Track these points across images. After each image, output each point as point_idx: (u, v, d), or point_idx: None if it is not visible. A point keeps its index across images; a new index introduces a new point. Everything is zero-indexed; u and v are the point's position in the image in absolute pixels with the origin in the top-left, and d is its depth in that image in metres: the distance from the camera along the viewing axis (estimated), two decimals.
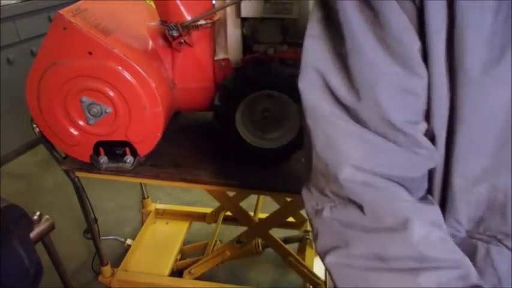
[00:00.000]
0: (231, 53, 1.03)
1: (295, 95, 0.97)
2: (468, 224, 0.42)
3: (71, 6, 0.93)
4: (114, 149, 1.04)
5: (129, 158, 1.05)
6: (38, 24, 2.39)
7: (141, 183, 1.72)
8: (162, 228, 1.76)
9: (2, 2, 2.21)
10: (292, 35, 1.02)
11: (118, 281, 1.48)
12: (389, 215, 0.39)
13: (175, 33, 0.97)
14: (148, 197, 1.78)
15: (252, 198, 1.58)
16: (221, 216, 1.70)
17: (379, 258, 0.38)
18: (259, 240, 1.39)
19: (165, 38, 1.00)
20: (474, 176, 0.39)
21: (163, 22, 1.00)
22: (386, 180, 0.40)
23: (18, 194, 2.23)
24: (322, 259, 0.42)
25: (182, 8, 0.97)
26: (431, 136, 0.41)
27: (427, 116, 0.40)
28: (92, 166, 1.08)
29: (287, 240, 1.56)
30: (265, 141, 1.07)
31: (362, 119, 0.40)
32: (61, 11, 0.89)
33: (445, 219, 0.42)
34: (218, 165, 1.10)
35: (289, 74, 0.95)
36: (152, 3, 1.17)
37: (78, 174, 1.15)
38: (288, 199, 1.22)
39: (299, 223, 1.68)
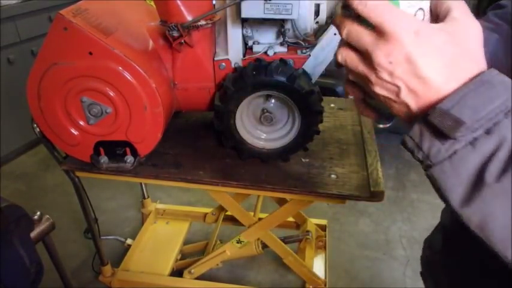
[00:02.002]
0: (231, 53, 1.03)
1: (294, 96, 0.98)
2: None
3: (72, 7, 0.93)
4: (115, 149, 1.04)
5: (129, 158, 1.06)
6: (38, 25, 2.39)
7: (141, 183, 1.72)
8: (162, 228, 1.76)
9: (2, 2, 2.21)
10: (292, 36, 1.02)
11: (118, 281, 1.49)
12: None
13: (175, 34, 0.97)
14: (148, 197, 1.79)
15: (252, 198, 1.58)
16: (221, 216, 1.70)
17: None
18: (259, 240, 1.40)
19: (166, 38, 1.00)
20: None
21: (163, 22, 1.01)
22: None
23: (18, 194, 2.23)
24: None
25: (183, 9, 0.97)
26: None
27: None
28: (92, 166, 1.08)
29: (287, 240, 1.56)
30: (265, 141, 1.08)
31: None
32: (61, 11, 0.89)
33: None
34: (218, 165, 1.10)
35: (289, 75, 0.95)
36: (152, 3, 1.17)
37: (79, 174, 1.15)
38: (288, 199, 1.22)
39: (299, 223, 1.69)
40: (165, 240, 1.69)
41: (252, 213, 1.42)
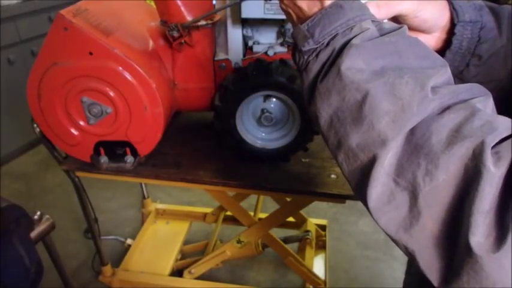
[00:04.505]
0: (231, 53, 1.04)
1: (294, 96, 0.98)
2: None
3: (72, 7, 0.93)
4: (115, 149, 1.04)
5: (129, 158, 1.06)
6: (38, 25, 2.39)
7: (141, 183, 1.72)
8: (162, 228, 1.76)
9: (2, 2, 2.21)
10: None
11: (118, 281, 1.49)
12: None
13: (175, 34, 0.97)
14: (148, 197, 1.79)
15: (252, 198, 1.59)
16: (221, 216, 1.70)
17: None
18: (259, 240, 1.40)
19: (166, 38, 1.00)
20: None
21: (163, 22, 1.01)
22: None
23: (18, 194, 2.23)
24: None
25: (183, 9, 0.97)
26: None
27: None
28: (92, 166, 1.08)
29: (287, 240, 1.56)
30: (265, 141, 1.08)
31: None
32: (62, 11, 0.89)
33: None
34: (218, 165, 1.10)
35: (289, 75, 0.95)
36: (152, 3, 1.17)
37: (79, 174, 1.15)
38: (288, 199, 1.22)
39: (299, 223, 1.69)
40: (165, 240, 1.69)
41: (252, 213, 1.42)
